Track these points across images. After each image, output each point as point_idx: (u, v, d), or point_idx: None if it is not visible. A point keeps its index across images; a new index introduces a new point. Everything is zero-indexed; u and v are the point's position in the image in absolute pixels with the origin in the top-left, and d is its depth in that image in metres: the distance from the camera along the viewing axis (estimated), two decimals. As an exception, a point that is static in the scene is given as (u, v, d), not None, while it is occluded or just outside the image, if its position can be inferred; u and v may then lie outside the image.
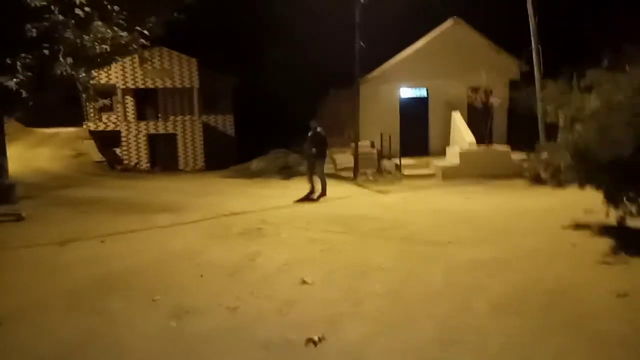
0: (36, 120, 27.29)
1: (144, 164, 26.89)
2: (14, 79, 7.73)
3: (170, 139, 28.01)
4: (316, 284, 5.01)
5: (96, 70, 9.93)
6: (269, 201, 10.52)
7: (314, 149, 10.47)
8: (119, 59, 9.98)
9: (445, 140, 16.05)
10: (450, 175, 13.66)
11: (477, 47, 16.76)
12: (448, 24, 16.97)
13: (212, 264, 5.79)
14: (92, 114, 26.57)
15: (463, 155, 14.00)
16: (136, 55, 25.69)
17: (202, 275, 5.34)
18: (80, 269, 5.72)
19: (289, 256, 6.08)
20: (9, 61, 7.59)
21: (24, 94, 8.03)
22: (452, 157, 14.51)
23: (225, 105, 30.09)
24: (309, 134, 10.68)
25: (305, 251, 6.37)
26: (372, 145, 16.66)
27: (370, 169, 15.10)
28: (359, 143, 14.79)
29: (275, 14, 26.75)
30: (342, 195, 11.44)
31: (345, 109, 23.05)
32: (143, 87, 26.91)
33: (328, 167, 16.48)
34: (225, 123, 30.26)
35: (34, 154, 23.21)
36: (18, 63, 7.71)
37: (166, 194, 12.32)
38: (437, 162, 14.47)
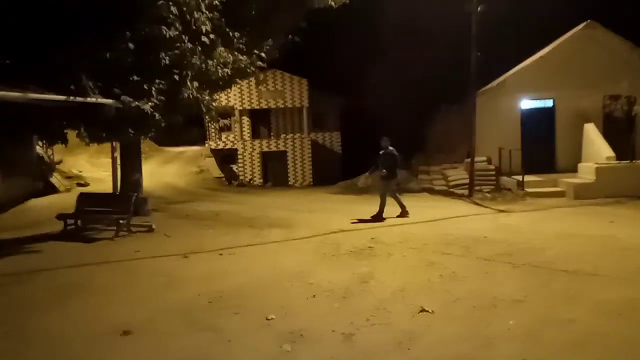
0: (166, 139, 30.43)
1: (257, 180, 28.34)
2: (149, 103, 8.46)
3: (281, 156, 29.24)
4: (437, 314, 4.52)
5: (217, 92, 10.55)
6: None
7: (384, 170, 10.10)
8: (238, 81, 10.45)
9: (575, 156, 14.27)
10: (583, 193, 12.04)
11: (616, 52, 14.76)
12: (581, 27, 15.22)
13: (323, 284, 5.59)
14: (213, 134, 28.82)
15: (600, 171, 12.26)
16: (252, 78, 27.62)
17: (314, 296, 5.16)
18: (199, 283, 5.91)
19: (404, 280, 5.66)
20: (146, 87, 8.33)
21: (157, 117, 8.75)
22: (585, 173, 12.81)
23: (332, 123, 30.68)
24: (381, 152, 10.24)
25: (421, 275, 5.89)
26: (489, 161, 15.45)
27: (487, 186, 13.98)
28: (475, 159, 13.78)
29: (381, 33, 26.77)
30: (457, 214, 10.65)
31: (458, 124, 21.93)
32: (258, 107, 28.57)
33: (440, 184, 15.72)
34: (332, 140, 30.79)
35: (164, 170, 25.74)
36: (153, 88, 8.44)
37: (277, 209, 12.62)
38: (568, 179, 12.87)
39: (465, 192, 13.95)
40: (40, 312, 5.06)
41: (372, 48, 28.23)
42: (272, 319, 4.52)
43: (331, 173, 27.73)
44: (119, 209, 9.43)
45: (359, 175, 21.85)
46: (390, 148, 10.26)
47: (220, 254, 7.45)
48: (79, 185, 19.52)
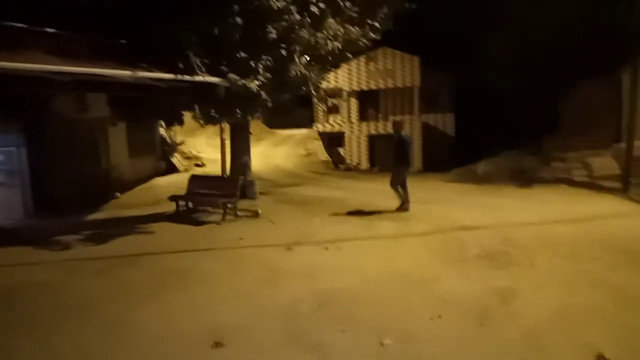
0: (277, 122, 30.95)
1: (364, 164, 27.48)
2: (256, 81, 7.96)
3: (389, 139, 27.94)
4: (623, 364, 3.21)
5: (327, 69, 9.76)
6: (509, 215, 8.62)
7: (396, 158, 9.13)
8: (349, 55, 9.52)
9: None
10: None
11: None
12: None
13: (451, 299, 4.51)
14: (320, 116, 28.52)
15: None
16: (362, 58, 26.63)
17: (440, 317, 4.11)
18: (302, 282, 5.20)
19: (560, 302, 4.33)
20: (252, 64, 7.84)
21: (263, 96, 8.24)
22: None
23: (445, 104, 28.45)
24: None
25: (583, 296, 4.49)
26: (649, 147, 12.61)
27: (647, 179, 11.37)
28: (633, 143, 11.24)
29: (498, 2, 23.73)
30: (611, 213, 8.64)
31: (600, 101, 18.65)
32: (366, 88, 27.52)
33: (581, 174, 13.31)
34: (444, 122, 28.63)
35: (273, 152, 26.09)
36: (260, 65, 7.92)
37: (387, 198, 11.57)
38: None
39: (617, 185, 11.50)
40: (139, 302, 4.75)
41: (492, 15, 25.21)
42: (387, 344, 3.59)
43: (443, 158, 25.79)
44: (227, 192, 9.21)
45: (477, 161, 19.82)
46: (403, 134, 9.32)
47: (326, 248, 6.70)
48: (197, 165, 20.42)
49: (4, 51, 5.88)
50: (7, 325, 4.35)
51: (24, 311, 4.67)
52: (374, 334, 3.77)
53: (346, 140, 27.88)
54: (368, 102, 28.41)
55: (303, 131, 32.01)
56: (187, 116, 10.89)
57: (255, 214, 9.26)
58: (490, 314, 4.11)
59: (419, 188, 13.78)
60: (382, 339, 3.66)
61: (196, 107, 9.66)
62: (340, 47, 8.84)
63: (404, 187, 9.32)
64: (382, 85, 27.41)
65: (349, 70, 26.98)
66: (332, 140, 27.94)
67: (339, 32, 8.80)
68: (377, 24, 9.19)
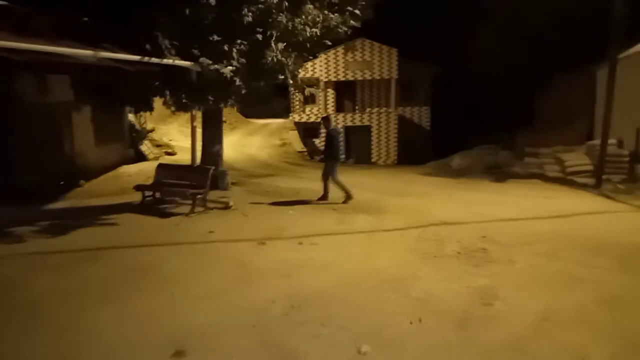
0: (252, 111, 30.35)
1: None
2: (229, 67, 7.56)
3: (365, 131, 27.79)
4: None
5: (304, 57, 9.41)
6: (485, 209, 8.55)
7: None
8: (328, 43, 9.20)
9: None
10: None
11: None
12: None
13: (430, 301, 4.31)
14: (297, 107, 28.09)
15: None
16: (339, 49, 26.27)
17: (420, 320, 3.91)
18: (275, 281, 4.92)
19: (543, 303, 4.20)
20: (226, 48, 7.43)
21: (237, 82, 7.85)
22: None
23: (422, 97, 28.44)
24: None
25: (567, 297, 4.37)
26: (620, 145, 12.86)
27: (617, 175, 11.57)
28: (607, 140, 11.36)
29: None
30: (586, 210, 8.67)
31: (576, 98, 18.96)
32: (344, 79, 27.23)
33: (554, 170, 13.44)
34: (420, 115, 28.67)
35: (247, 141, 25.56)
36: (234, 50, 7.52)
37: (362, 190, 11.38)
38: None
39: (588, 181, 11.66)
40: (96, 303, 4.37)
41: (474, 7, 25.17)
42: (365, 353, 3.35)
43: (418, 151, 25.83)
44: (196, 182, 8.80)
45: (453, 154, 19.87)
46: (331, 128, 9.53)
47: (300, 243, 6.43)
48: (167, 154, 19.75)
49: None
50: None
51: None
52: (350, 339, 3.53)
53: (322, 131, 27.56)
54: (345, 93, 28.15)
55: (279, 121, 31.52)
56: (158, 102, 10.39)
57: (227, 206, 8.89)
58: (471, 316, 3.94)
59: (394, 180, 13.71)
60: (360, 345, 3.43)
61: (167, 92, 9.18)
62: (318, 33, 8.50)
63: (334, 180, 9.50)
64: (359, 77, 27.18)
65: (327, 60, 26.64)
66: (308, 131, 27.59)
67: (317, 18, 8.45)
68: (357, 11, 8.87)
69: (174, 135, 24.28)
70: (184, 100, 9.01)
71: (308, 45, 8.81)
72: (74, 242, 6.60)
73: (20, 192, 10.07)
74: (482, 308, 4.11)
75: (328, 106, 27.83)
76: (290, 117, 28.50)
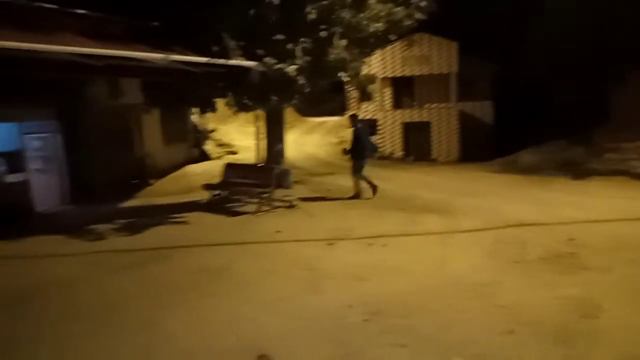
0: (308, 110, 30.45)
1: (398, 153, 26.73)
2: (292, 66, 7.49)
3: (424, 127, 27.02)
4: None
5: (366, 53, 9.18)
6: (567, 210, 7.90)
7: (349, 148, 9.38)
8: (393, 38, 8.91)
9: None
10: None
11: None
12: None
13: (521, 311, 3.95)
14: (353, 104, 27.82)
15: None
16: (396, 44, 25.65)
17: (512, 332, 3.58)
18: (348, 285, 4.75)
19: (654, 321, 3.72)
20: (290, 47, 7.36)
21: (301, 81, 7.77)
22: None
23: (483, 92, 27.18)
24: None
25: (678, 313, 3.86)
26: None
27: None
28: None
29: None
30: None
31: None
32: (401, 75, 26.62)
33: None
34: (482, 110, 27.40)
35: (305, 140, 25.70)
36: (297, 48, 7.42)
37: (428, 189, 11.00)
38: None
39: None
40: (172, 305, 4.41)
41: (537, 0, 23.77)
42: (459, 367, 3.10)
43: (480, 148, 24.72)
44: (262, 181, 8.83)
45: (518, 150, 18.79)
46: (359, 125, 9.42)
47: (370, 244, 6.22)
48: (229, 153, 20.25)
49: (38, 34, 5.61)
50: (21, 327, 4.10)
51: (42, 312, 4.40)
52: (439, 352, 3.29)
53: (379, 128, 27.15)
54: (403, 89, 27.50)
55: (335, 118, 31.42)
56: (220, 103, 10.60)
57: (292, 205, 8.86)
58: (571, 332, 3.55)
59: (460, 179, 13.13)
60: (451, 358, 3.17)
61: (229, 93, 9.31)
62: (382, 28, 8.22)
63: (357, 176, 9.55)
64: (417, 72, 26.43)
65: (383, 56, 26.12)
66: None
67: (381, 13, 8.18)
68: (423, 3, 8.51)
69: (234, 135, 24.86)
70: (244, 101, 9.10)
71: (372, 40, 8.56)
72: (145, 241, 6.79)
73: (95, 191, 10.63)
74: (582, 322, 3.71)
75: (385, 103, 27.34)
76: (347, 115, 28.26)
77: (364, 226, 7.29)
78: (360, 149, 9.37)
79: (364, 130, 9.64)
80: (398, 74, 26.72)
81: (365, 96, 27.85)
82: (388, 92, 27.62)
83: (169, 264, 5.67)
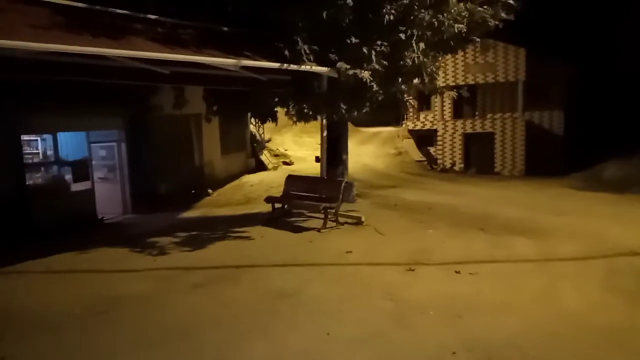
0: (360, 120, 29.83)
1: (458, 165, 25.49)
2: (367, 71, 6.91)
3: (487, 138, 25.62)
4: None
5: (444, 56, 8.47)
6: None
7: None
8: (477, 39, 8.16)
9: None
10: None
11: None
12: None
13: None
14: (410, 113, 26.90)
15: None
16: (456, 52, 24.59)
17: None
18: (442, 320, 4.06)
19: None
20: (365, 50, 6.80)
21: (375, 87, 7.18)
22: None
23: (554, 99, 25.41)
24: None
25: None
26: None
27: None
28: None
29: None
30: None
31: None
32: (463, 83, 25.44)
33: None
34: (551, 120, 25.62)
35: (361, 151, 25.04)
36: (373, 52, 6.85)
37: (506, 206, 10.03)
38: None
39: None
40: (249, 335, 3.91)
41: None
42: None
43: (550, 160, 23.03)
44: (326, 195, 8.30)
45: (597, 163, 17.15)
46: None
47: (457, 272, 5.47)
48: (285, 163, 19.99)
49: (109, 39, 5.39)
50: (94, 351, 3.72)
51: (115, 334, 4.03)
52: None
53: (439, 139, 26.03)
54: (464, 97, 26.27)
55: (389, 129, 30.57)
56: (279, 113, 10.28)
57: (359, 222, 8.25)
58: None
59: (539, 195, 11.98)
60: None
61: (291, 102, 8.90)
62: (465, 29, 7.49)
63: None
64: (480, 80, 25.18)
65: (444, 64, 25.09)
66: (421, 139, 26.23)
67: (463, 13, 7.46)
68: (511, 1, 7.70)
69: (289, 145, 24.68)
70: (305, 110, 8.64)
71: (452, 43, 7.84)
72: (211, 257, 6.40)
73: (156, 200, 10.54)
74: None
75: (445, 112, 26.23)
76: (404, 125, 27.38)
77: (443, 249, 6.55)
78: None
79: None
80: (460, 82, 25.56)
81: (423, 105, 26.89)
82: (448, 101, 26.50)
83: (239, 284, 5.22)
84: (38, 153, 9.09)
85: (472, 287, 4.95)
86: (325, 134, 9.45)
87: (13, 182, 7.73)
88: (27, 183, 8.18)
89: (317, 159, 10.55)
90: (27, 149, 8.65)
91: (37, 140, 9.00)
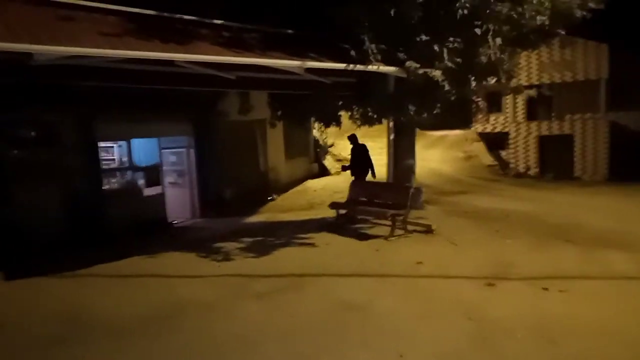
0: (425, 123, 28.84)
1: (533, 170, 23.86)
2: (438, 70, 6.48)
3: (565, 141, 23.75)
4: None
5: (520, 53, 7.82)
6: None
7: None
8: (562, 32, 7.44)
9: None
10: None
11: None
12: None
13: None
14: (480, 115, 25.62)
15: None
16: (537, 47, 23.08)
17: None
18: (532, 346, 3.57)
19: None
20: (436, 48, 6.37)
21: (446, 87, 6.72)
22: None
23: (643, 98, 23.08)
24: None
25: None
26: None
27: None
28: None
29: None
30: None
31: None
32: (537, 83, 23.84)
33: None
34: (639, 121, 23.29)
35: (426, 155, 24.16)
36: (445, 50, 6.40)
37: (591, 214, 9.07)
38: None
39: None
40: (317, 351, 3.66)
41: None
42: None
43: (636, 164, 20.87)
44: (393, 201, 7.90)
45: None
46: (361, 144, 10.04)
47: (545, 288, 4.89)
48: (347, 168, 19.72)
49: (177, 44, 5.43)
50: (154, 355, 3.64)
51: (180, 339, 3.94)
52: None
53: (511, 141, 24.55)
54: (538, 98, 24.60)
55: (456, 132, 29.35)
56: (344, 117, 10.06)
57: (429, 230, 7.77)
58: None
59: (630, 204, 10.73)
60: None
61: (355, 106, 8.63)
62: (547, 22, 6.82)
63: None
64: (557, 79, 23.44)
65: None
66: (491, 142, 24.86)
67: (546, 3, 6.80)
68: (601, -12, 6.93)
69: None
70: (370, 113, 8.32)
71: (532, 37, 7.19)
72: (274, 265, 6.25)
73: (223, 205, 10.67)
74: None
75: (518, 114, 24.71)
76: (472, 127, 26.13)
77: (526, 262, 5.93)
78: (361, 166, 9.84)
79: (362, 149, 10.09)
80: (534, 81, 23.98)
81: (493, 107, 25.50)
82: (521, 102, 24.96)
83: (304, 295, 4.99)
84: (114, 159, 9.52)
85: (564, 307, 4.36)
86: (391, 137, 9.05)
87: (91, 187, 8.09)
88: (103, 188, 8.54)
89: (344, 168, 10.77)
90: (104, 155, 9.08)
91: (112, 146, 9.43)
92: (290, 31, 7.05)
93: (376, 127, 10.36)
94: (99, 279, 5.91)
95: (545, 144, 24.04)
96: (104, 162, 8.92)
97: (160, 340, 4.00)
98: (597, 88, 22.80)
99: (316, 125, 17.08)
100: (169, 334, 4.11)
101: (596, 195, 12.26)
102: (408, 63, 6.55)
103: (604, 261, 5.86)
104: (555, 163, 23.62)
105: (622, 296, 4.68)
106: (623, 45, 21.95)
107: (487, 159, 22.37)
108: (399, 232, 7.58)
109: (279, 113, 10.34)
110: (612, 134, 22.83)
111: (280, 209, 11.45)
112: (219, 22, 6.55)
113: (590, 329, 3.88)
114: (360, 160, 10.02)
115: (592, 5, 7.16)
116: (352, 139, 10.28)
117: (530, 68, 24.05)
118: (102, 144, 8.76)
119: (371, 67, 6.48)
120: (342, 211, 8.70)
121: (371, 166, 9.90)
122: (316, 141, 18.95)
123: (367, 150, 10.10)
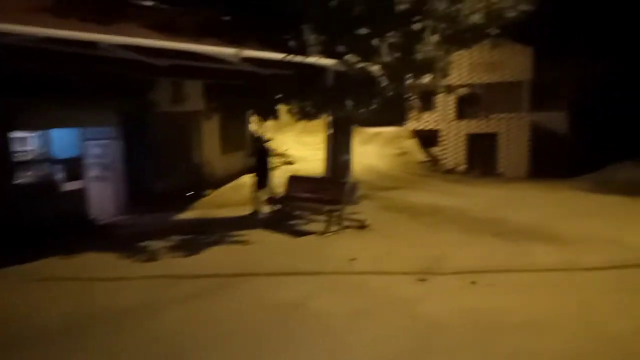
0: (360, 119, 29.30)
1: (461, 167, 25.03)
2: (376, 64, 6.46)
3: (490, 139, 25.16)
4: None
5: (455, 50, 8.02)
6: None
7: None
8: (495, 32, 7.70)
9: None
10: None
11: None
12: None
13: None
14: (414, 113, 26.42)
15: None
16: (471, 46, 24.08)
17: None
18: (471, 343, 3.60)
19: None
20: (376, 42, 6.34)
21: (384, 82, 6.72)
22: None
23: (562, 100, 24.91)
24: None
25: None
26: None
27: None
28: None
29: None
30: None
31: None
32: (467, 83, 24.99)
33: None
34: (559, 121, 25.12)
35: (362, 151, 24.49)
36: (384, 44, 6.39)
37: (517, 209, 9.56)
38: None
39: None
40: (254, 357, 3.44)
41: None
42: None
43: (556, 162, 22.52)
44: (330, 197, 7.84)
45: (606, 165, 16.65)
46: (263, 147, 9.80)
47: (473, 282, 5.02)
48: (286, 164, 19.53)
49: (100, 24, 4.93)
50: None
51: (94, 353, 3.57)
52: None
53: (442, 139, 25.58)
54: (467, 97, 25.83)
55: (391, 129, 30.07)
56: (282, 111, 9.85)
57: (363, 225, 7.79)
58: None
59: (552, 199, 11.48)
60: None
61: (293, 100, 8.45)
62: (481, 21, 7.03)
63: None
64: (485, 80, 24.73)
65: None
66: (425, 140, 25.78)
67: (480, 3, 7.01)
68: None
69: (290, 145, 24.16)
70: (307, 109, 8.20)
71: (467, 35, 7.39)
72: (206, 264, 5.94)
73: (152, 200, 10.07)
74: None
75: (448, 112, 25.78)
76: (406, 125, 26.89)
77: (455, 255, 6.10)
78: (259, 172, 9.45)
79: (262, 153, 9.92)
80: (464, 82, 25.10)
81: (426, 105, 26.38)
82: (451, 101, 26.03)
83: (236, 296, 4.76)
84: (30, 150, 8.61)
85: (495, 302, 4.48)
86: (329, 132, 8.97)
87: (1, 181, 7.26)
88: (14, 182, 7.70)
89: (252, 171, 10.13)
90: (18, 146, 8.18)
91: (28, 137, 8.53)
92: (227, 18, 6.71)
93: (316, 122, 10.26)
94: (9, 283, 5.29)
95: (473, 141, 25.32)
96: (17, 153, 8.04)
97: (64, 356, 3.57)
98: (520, 89, 24.32)
99: (253, 118, 16.70)
100: (74, 350, 3.67)
101: (518, 191, 13.03)
102: (347, 56, 6.47)
103: (528, 253, 6.15)
104: (482, 160, 24.97)
105: (548, 288, 4.89)
106: (545, 49, 23.51)
107: (420, 155, 23.11)
108: (334, 228, 7.52)
109: (215, 105, 9.91)
110: (533, 133, 24.46)
111: (214, 204, 11.03)
112: (149, 3, 6.08)
113: (525, 324, 3.96)
114: (260, 164, 9.55)
115: (523, 7, 7.48)
116: (257, 141, 10.12)
117: (462, 68, 25.10)
118: (15, 134, 7.89)
119: (310, 59, 6.33)
120: (278, 207, 8.52)
121: (267, 174, 9.43)
122: (253, 135, 18.54)
123: (267, 154, 9.76)
